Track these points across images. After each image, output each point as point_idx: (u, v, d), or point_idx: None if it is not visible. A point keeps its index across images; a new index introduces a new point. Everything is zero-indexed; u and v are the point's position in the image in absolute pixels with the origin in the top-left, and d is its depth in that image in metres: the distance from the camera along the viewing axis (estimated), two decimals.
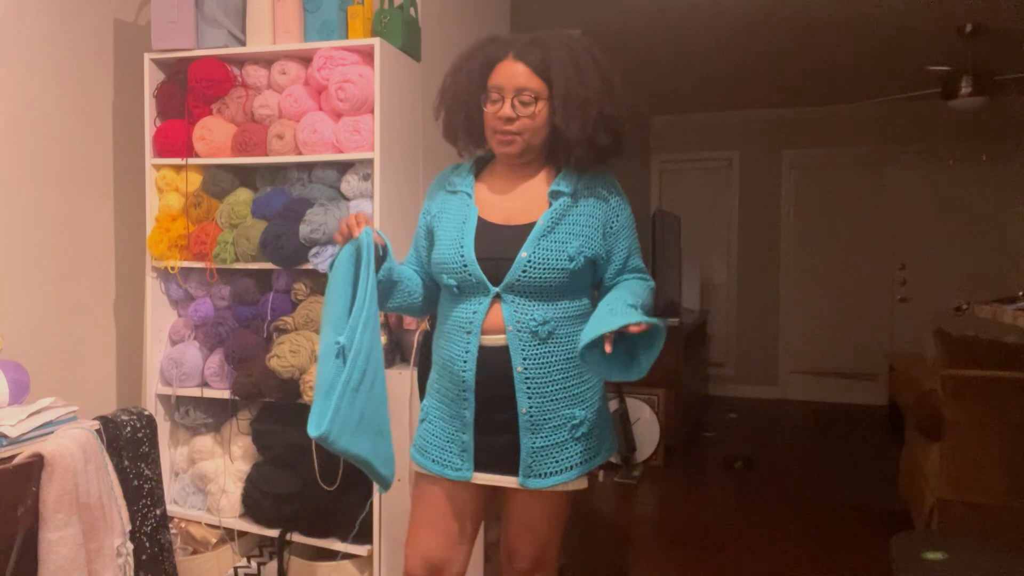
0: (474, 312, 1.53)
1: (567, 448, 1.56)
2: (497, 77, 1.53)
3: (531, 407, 1.53)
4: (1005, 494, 2.77)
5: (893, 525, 3.35)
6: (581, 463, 1.58)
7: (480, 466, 1.57)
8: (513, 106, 1.51)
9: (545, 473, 1.55)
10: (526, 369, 1.52)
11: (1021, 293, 2.54)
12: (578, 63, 1.51)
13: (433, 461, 1.60)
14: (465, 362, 1.54)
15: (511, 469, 1.56)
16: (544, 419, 1.54)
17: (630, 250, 1.64)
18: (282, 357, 2.19)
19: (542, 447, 1.54)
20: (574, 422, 1.56)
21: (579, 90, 1.49)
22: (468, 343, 1.54)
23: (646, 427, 4.41)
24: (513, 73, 1.51)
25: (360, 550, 2.21)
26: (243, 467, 2.41)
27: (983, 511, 2.80)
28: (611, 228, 1.59)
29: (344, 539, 2.24)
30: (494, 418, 1.55)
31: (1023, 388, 2.76)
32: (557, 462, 1.55)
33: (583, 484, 1.61)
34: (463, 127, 1.61)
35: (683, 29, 4.23)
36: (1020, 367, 2.80)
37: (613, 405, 4.15)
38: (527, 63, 1.51)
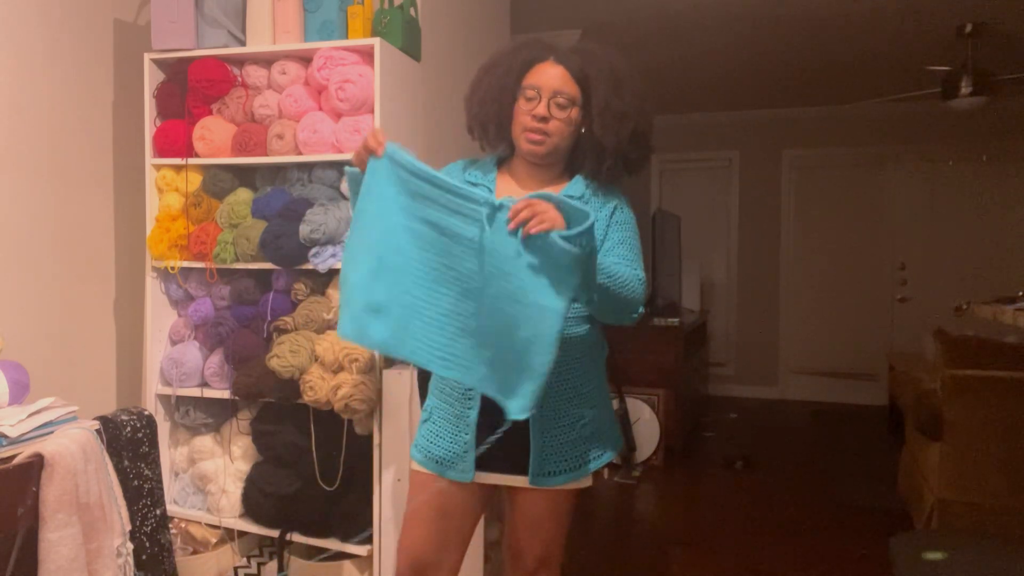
0: None
1: (576, 447, 1.57)
2: (535, 77, 1.54)
3: (542, 408, 1.53)
4: (1005, 494, 2.77)
5: (893, 525, 3.35)
6: (590, 461, 1.59)
7: (487, 466, 1.57)
8: (549, 107, 1.52)
9: (555, 471, 1.55)
10: None
11: (1021, 293, 2.54)
12: (618, 77, 1.54)
13: (436, 462, 1.59)
14: None
15: (520, 468, 1.56)
16: (554, 419, 1.54)
17: (622, 244, 1.56)
18: (282, 357, 2.19)
19: (552, 446, 1.55)
20: (583, 421, 1.57)
21: (618, 103, 1.52)
22: None
23: (646, 427, 4.41)
24: (552, 75, 1.53)
25: (360, 550, 2.21)
26: (243, 467, 2.41)
27: (983, 511, 2.80)
28: (610, 222, 1.58)
29: (344, 539, 2.24)
30: (500, 418, 1.54)
31: (1023, 388, 2.76)
32: (567, 460, 1.56)
33: (588, 482, 1.62)
34: (494, 120, 1.60)
35: (683, 29, 4.23)
36: (1020, 367, 2.80)
37: (613, 405, 4.15)
38: (567, 67, 1.54)
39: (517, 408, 1.32)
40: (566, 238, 1.25)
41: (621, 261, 1.53)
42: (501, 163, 1.68)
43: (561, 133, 1.54)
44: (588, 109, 1.54)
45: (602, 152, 1.54)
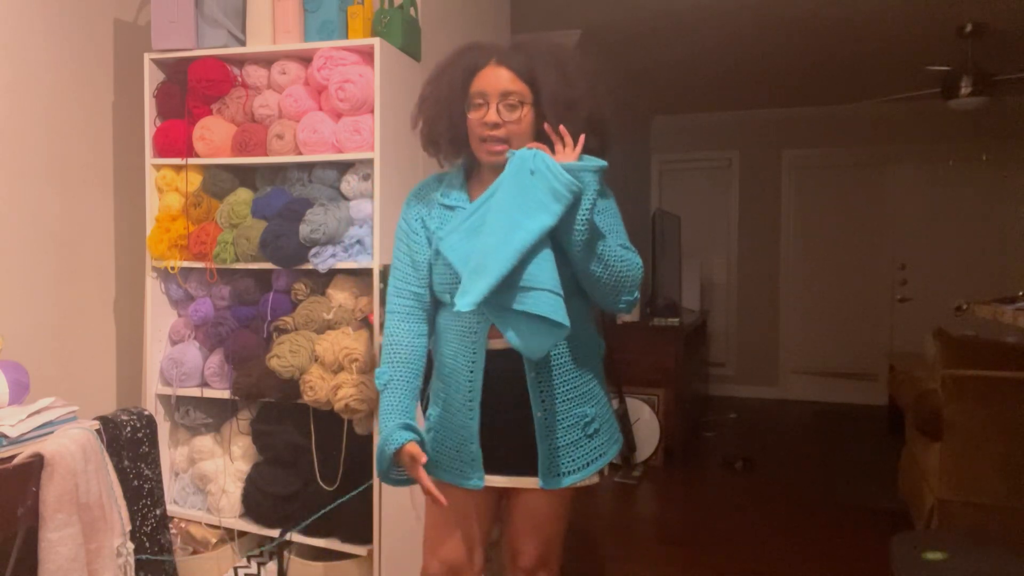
0: (479, 322, 1.52)
1: (582, 446, 1.57)
2: (480, 83, 1.50)
3: (545, 410, 1.53)
4: (1005, 494, 2.77)
5: (893, 525, 3.35)
6: (595, 459, 1.60)
7: (496, 469, 1.57)
8: (499, 111, 1.48)
9: (564, 472, 1.56)
10: (538, 374, 1.52)
11: (1021, 293, 2.54)
12: (562, 67, 1.50)
13: (445, 471, 1.60)
14: (472, 372, 1.53)
15: (529, 470, 1.56)
16: (558, 420, 1.54)
17: (609, 233, 1.55)
18: (282, 357, 2.19)
19: (559, 447, 1.55)
20: (586, 420, 1.57)
21: (566, 92, 1.47)
22: (474, 351, 1.52)
23: (646, 427, 4.41)
24: (497, 78, 1.49)
25: (360, 550, 2.21)
26: (243, 467, 2.41)
27: (983, 511, 2.80)
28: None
29: (344, 539, 2.24)
30: (505, 421, 1.55)
31: (1023, 388, 2.76)
32: (573, 461, 1.56)
33: (595, 480, 1.63)
34: (445, 135, 1.57)
35: (683, 29, 4.23)
36: (1020, 367, 2.80)
37: (613, 404, 4.15)
38: (510, 68, 1.49)
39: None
40: (570, 169, 1.40)
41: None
42: (469, 174, 1.64)
43: (518, 136, 1.50)
44: (539, 105, 1.50)
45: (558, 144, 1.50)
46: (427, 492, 1.45)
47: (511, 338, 1.44)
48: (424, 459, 1.45)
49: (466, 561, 1.63)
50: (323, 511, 2.23)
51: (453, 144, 1.59)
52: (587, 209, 1.41)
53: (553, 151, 1.47)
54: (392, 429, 1.47)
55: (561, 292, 1.42)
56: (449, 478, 1.59)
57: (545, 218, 1.39)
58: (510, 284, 1.39)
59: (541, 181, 1.39)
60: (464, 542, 1.62)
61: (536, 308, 1.39)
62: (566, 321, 1.40)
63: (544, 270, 1.41)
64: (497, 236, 1.40)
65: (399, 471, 1.53)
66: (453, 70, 1.55)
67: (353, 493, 2.20)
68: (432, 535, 1.65)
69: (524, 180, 1.40)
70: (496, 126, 1.49)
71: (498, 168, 1.52)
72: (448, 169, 1.67)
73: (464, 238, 1.48)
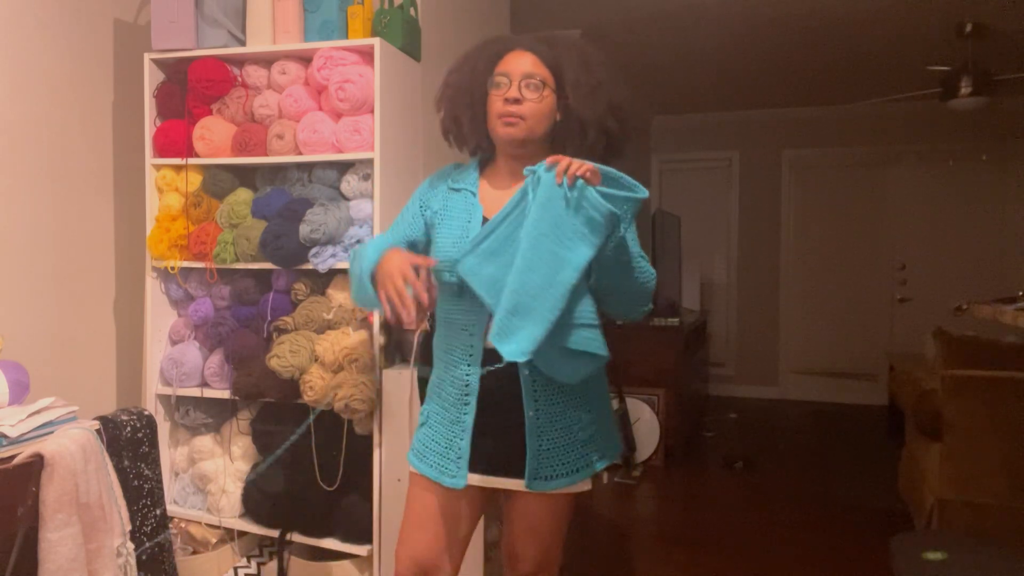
0: (476, 314, 1.52)
1: (573, 450, 1.55)
2: (505, 65, 1.55)
3: (538, 410, 1.52)
4: (1005, 494, 2.77)
5: (893, 525, 3.35)
6: (587, 465, 1.57)
7: (484, 468, 1.56)
8: (520, 89, 1.51)
9: (551, 476, 1.54)
10: (532, 372, 1.51)
11: (1021, 293, 2.54)
12: (586, 58, 1.55)
13: (430, 466, 1.58)
14: (469, 365, 1.53)
15: (517, 471, 1.54)
16: (550, 422, 1.53)
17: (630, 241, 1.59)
18: (282, 357, 2.19)
19: (548, 449, 1.53)
20: (580, 424, 1.55)
21: (589, 78, 1.52)
22: (471, 346, 1.53)
23: (646, 427, 4.41)
24: (521, 61, 1.53)
25: (360, 550, 2.21)
26: (243, 467, 2.41)
27: (983, 511, 2.80)
28: None
29: (344, 539, 2.24)
30: (497, 420, 1.54)
31: (1023, 388, 2.76)
32: (563, 464, 1.54)
33: (587, 486, 1.60)
34: (467, 114, 1.59)
35: (683, 29, 4.23)
36: (1020, 367, 2.80)
37: (613, 405, 4.15)
38: (536, 54, 1.54)
39: (513, 351, 1.34)
40: (603, 194, 1.34)
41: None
42: (484, 165, 1.67)
43: (536, 116, 1.52)
44: (562, 91, 1.54)
45: (583, 127, 1.53)
46: (423, 262, 1.46)
47: (547, 368, 1.45)
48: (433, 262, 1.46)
49: (437, 562, 1.59)
50: (321, 504, 2.23)
51: (473, 124, 1.60)
52: (620, 236, 1.41)
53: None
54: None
55: (598, 322, 1.42)
56: (433, 475, 1.57)
57: (586, 250, 1.36)
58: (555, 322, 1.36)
59: (580, 212, 1.35)
60: (437, 542, 1.59)
61: (584, 345, 1.39)
62: (606, 352, 1.40)
63: (586, 304, 1.41)
64: (540, 274, 1.34)
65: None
66: (478, 56, 1.59)
67: (344, 488, 2.20)
68: (407, 533, 1.62)
69: (557, 209, 1.35)
70: (516, 101, 1.51)
71: (513, 151, 1.56)
72: (470, 161, 1.70)
73: (482, 261, 1.44)
